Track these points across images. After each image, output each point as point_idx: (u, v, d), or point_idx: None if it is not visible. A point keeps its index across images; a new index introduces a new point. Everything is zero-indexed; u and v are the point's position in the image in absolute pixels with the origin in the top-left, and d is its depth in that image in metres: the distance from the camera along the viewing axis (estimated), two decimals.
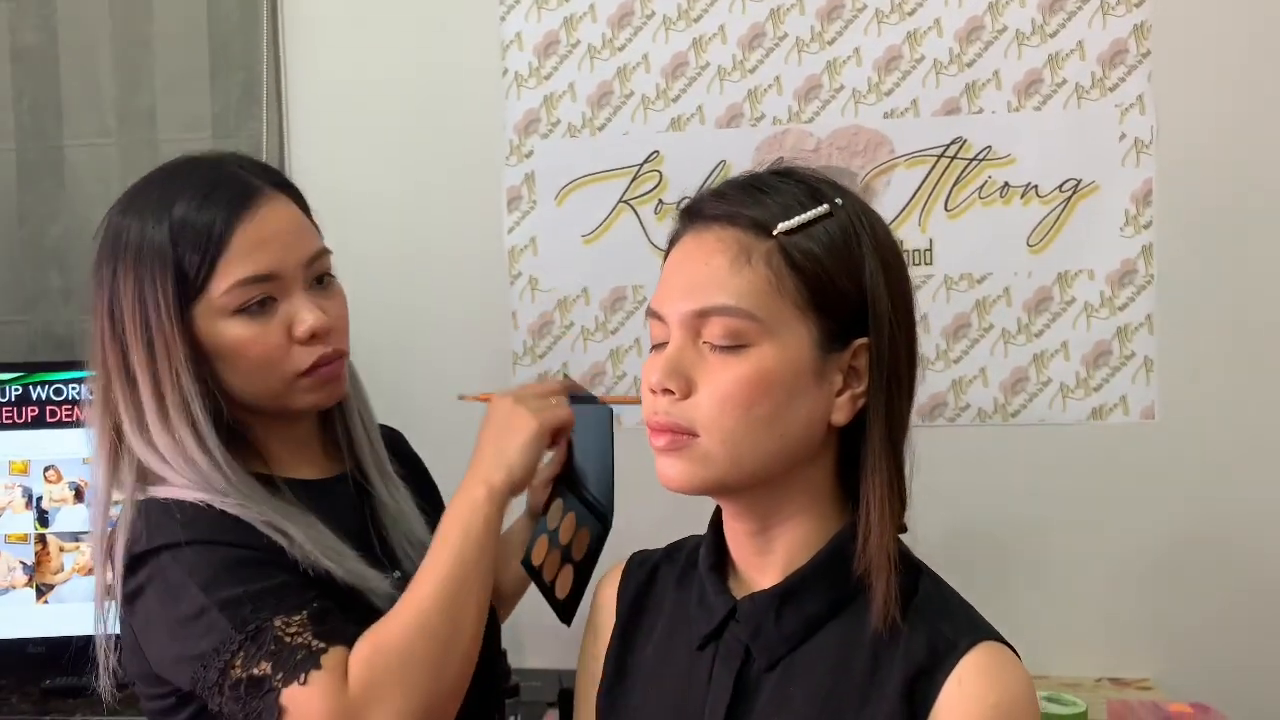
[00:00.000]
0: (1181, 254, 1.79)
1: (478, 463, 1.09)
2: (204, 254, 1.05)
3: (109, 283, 1.07)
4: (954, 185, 1.84)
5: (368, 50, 1.97)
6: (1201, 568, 1.80)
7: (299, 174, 1.98)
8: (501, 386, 1.17)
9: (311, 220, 1.15)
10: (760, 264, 0.84)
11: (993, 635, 0.84)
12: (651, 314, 0.89)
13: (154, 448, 1.05)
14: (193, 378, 1.05)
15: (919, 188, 1.84)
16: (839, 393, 0.86)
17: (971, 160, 1.84)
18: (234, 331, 1.06)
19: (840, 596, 0.86)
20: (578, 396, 1.16)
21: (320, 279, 1.12)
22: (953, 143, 1.84)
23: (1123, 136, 1.81)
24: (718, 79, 1.88)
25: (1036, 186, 1.82)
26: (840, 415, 0.86)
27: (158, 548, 1.01)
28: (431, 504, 1.27)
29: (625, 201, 1.91)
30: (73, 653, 1.14)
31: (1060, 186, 1.82)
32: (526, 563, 1.25)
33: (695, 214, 0.90)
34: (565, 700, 1.65)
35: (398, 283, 1.95)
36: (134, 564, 1.03)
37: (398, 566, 1.14)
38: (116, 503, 1.09)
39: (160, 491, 1.05)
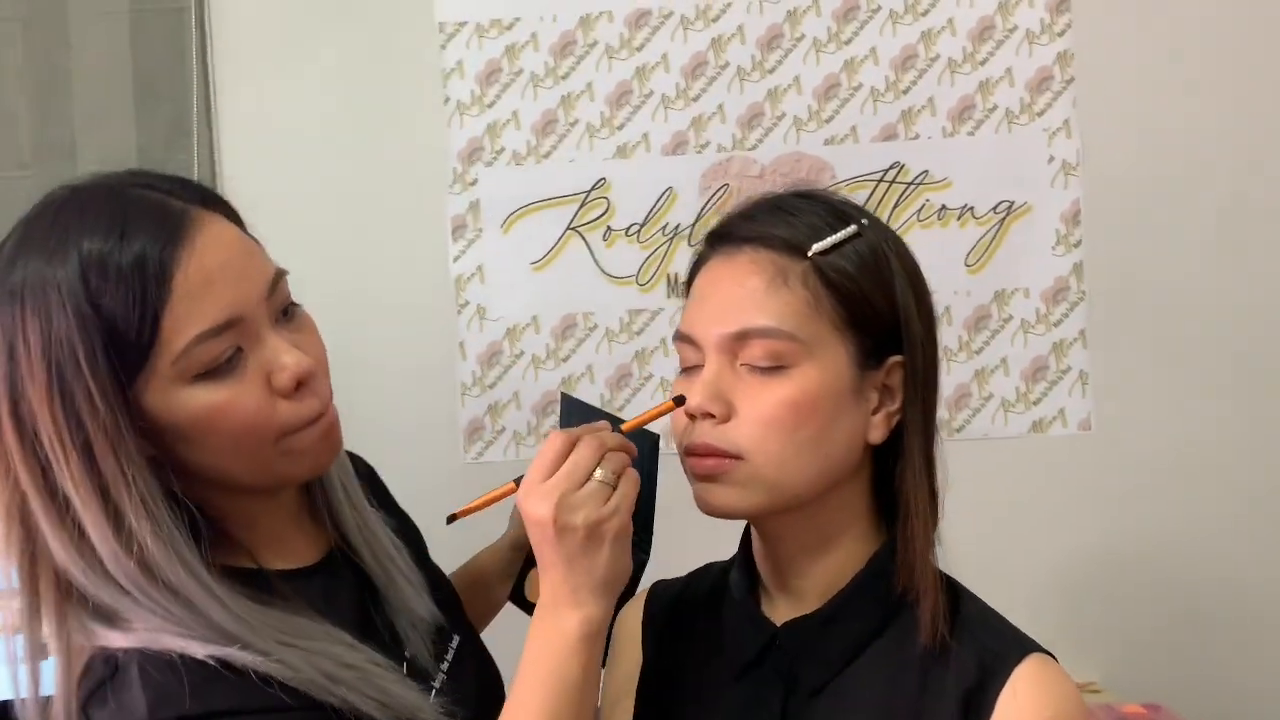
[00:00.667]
0: (1110, 271, 1.88)
1: (553, 577, 0.82)
2: (141, 308, 0.81)
3: (3, 372, 0.82)
4: (894, 208, 1.89)
5: (303, 79, 1.93)
6: (1140, 572, 1.87)
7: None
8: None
9: (252, 237, 0.94)
10: (797, 284, 0.85)
11: (1038, 648, 0.86)
12: (682, 338, 0.90)
13: (112, 581, 0.83)
14: (152, 477, 0.83)
15: None
16: (874, 411, 0.87)
17: (909, 184, 1.89)
18: (200, 401, 0.84)
19: (884, 616, 0.87)
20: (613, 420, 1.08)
21: (285, 310, 0.91)
22: (891, 167, 1.90)
23: (1051, 159, 1.88)
24: (662, 107, 1.90)
25: (972, 208, 1.89)
26: (876, 433, 0.87)
27: None
28: (418, 553, 1.13)
29: (573, 228, 1.91)
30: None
31: (994, 208, 1.89)
32: (518, 597, 1.21)
33: (724, 237, 0.90)
34: None
35: (341, 316, 1.84)
36: None
37: (404, 647, 0.99)
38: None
39: (145, 639, 0.82)
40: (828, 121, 1.90)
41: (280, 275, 0.92)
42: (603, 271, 1.91)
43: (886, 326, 0.87)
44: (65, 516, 0.82)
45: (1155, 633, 1.86)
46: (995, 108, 1.89)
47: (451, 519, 0.94)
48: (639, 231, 1.90)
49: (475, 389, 1.93)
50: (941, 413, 1.85)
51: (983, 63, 1.89)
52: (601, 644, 0.84)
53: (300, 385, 0.88)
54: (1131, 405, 1.87)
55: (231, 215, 0.92)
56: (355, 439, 1.88)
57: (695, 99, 1.90)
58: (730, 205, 1.88)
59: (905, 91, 1.89)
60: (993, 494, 1.89)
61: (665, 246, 1.90)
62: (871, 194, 1.89)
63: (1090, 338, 1.88)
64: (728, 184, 1.89)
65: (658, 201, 1.90)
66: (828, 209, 0.90)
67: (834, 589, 0.88)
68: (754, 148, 1.90)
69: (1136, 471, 1.87)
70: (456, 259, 1.93)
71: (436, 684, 0.99)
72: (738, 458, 0.84)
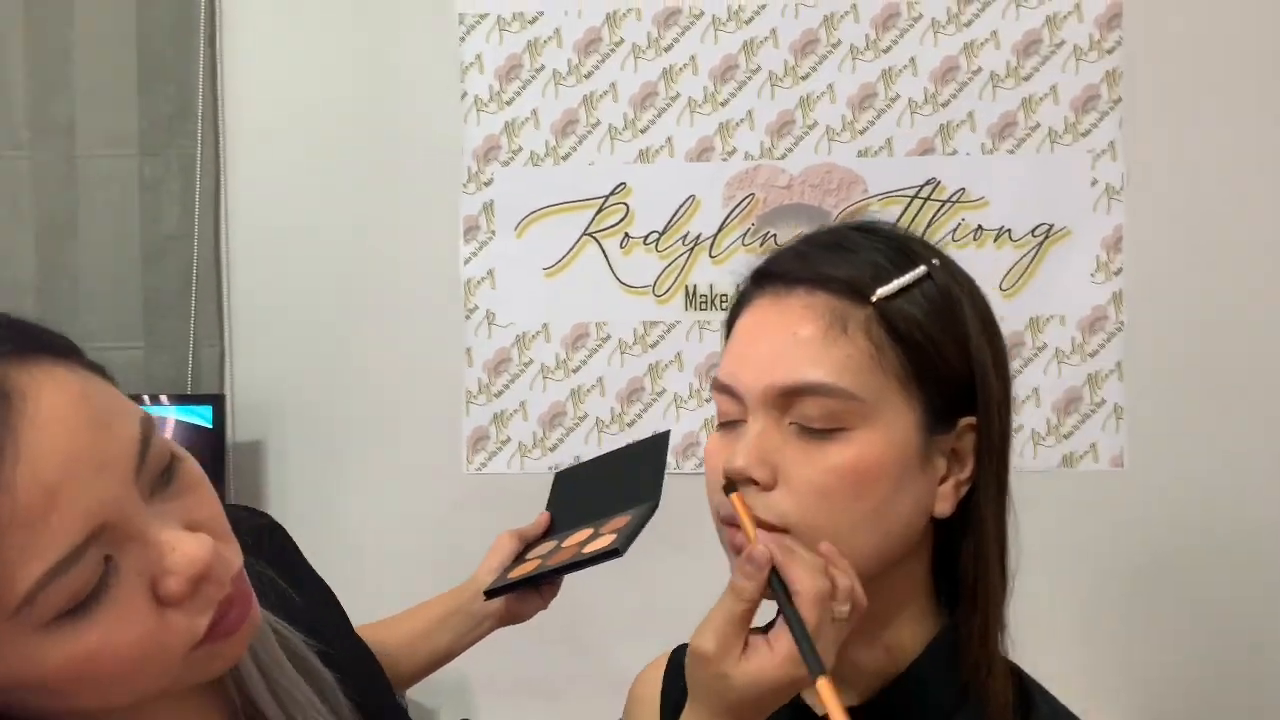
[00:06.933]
0: (1151, 302, 1.79)
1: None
2: None
3: None
4: (927, 227, 1.80)
5: (315, 65, 1.84)
6: (1166, 610, 1.79)
7: (237, 198, 1.85)
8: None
9: (98, 372, 0.63)
10: (858, 334, 0.74)
11: None
12: (721, 388, 0.79)
13: None
14: None
15: None
16: (942, 480, 0.77)
17: (945, 202, 1.81)
18: (60, 651, 0.59)
19: (947, 707, 0.78)
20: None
21: (164, 472, 0.63)
22: (926, 184, 1.81)
23: (1094, 182, 1.80)
24: (688, 110, 1.81)
25: (1009, 230, 1.80)
26: (944, 505, 0.77)
27: None
28: (336, 633, 0.85)
29: (590, 234, 1.83)
30: None
31: (1033, 231, 1.80)
32: (500, 587, 1.11)
33: (773, 275, 0.80)
34: None
35: (343, 317, 1.83)
36: None
37: None
38: None
39: None
40: (861, 133, 1.81)
41: (147, 429, 0.62)
42: (618, 280, 1.83)
43: (959, 383, 0.76)
44: None
45: (1179, 672, 1.77)
46: (1038, 126, 1.80)
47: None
48: (658, 240, 1.82)
49: (481, 397, 1.84)
50: None
51: (1026, 78, 1.80)
52: None
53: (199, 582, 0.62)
54: (1166, 442, 1.79)
55: (67, 354, 0.61)
56: (352, 446, 1.81)
57: (724, 103, 1.81)
58: (755, 215, 1.81)
59: (944, 105, 1.80)
60: (1020, 527, 1.80)
61: (685, 257, 1.81)
62: (905, 210, 1.81)
63: (1127, 370, 1.79)
64: (754, 193, 1.80)
65: (679, 209, 1.81)
66: (891, 246, 0.79)
67: (885, 676, 0.79)
68: (783, 157, 1.81)
69: (1167, 510, 1.78)
70: (468, 261, 1.84)
71: None
72: (783, 531, 0.75)
